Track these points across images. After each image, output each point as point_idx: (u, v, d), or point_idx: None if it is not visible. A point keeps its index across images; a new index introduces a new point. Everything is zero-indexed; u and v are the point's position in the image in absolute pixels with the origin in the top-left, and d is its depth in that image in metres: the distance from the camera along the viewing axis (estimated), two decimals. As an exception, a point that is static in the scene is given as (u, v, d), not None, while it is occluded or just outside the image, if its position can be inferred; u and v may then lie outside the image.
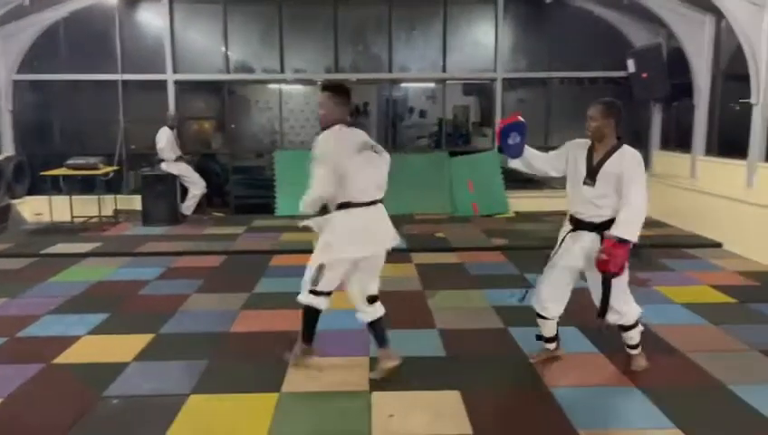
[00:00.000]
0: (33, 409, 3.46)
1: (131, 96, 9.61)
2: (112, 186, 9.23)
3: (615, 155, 3.57)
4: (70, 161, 8.60)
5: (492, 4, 9.69)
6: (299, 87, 10.95)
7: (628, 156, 3.56)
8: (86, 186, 9.06)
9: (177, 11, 9.57)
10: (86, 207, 8.86)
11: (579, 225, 3.69)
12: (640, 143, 9.99)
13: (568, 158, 3.77)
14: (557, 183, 10.13)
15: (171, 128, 8.85)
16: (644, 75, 9.11)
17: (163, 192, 8.79)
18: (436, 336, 4.45)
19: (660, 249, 7.05)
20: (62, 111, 9.75)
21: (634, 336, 3.87)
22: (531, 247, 7.05)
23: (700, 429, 3.18)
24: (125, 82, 9.49)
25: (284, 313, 5.02)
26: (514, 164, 3.83)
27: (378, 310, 3.75)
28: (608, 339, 4.27)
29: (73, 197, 8.75)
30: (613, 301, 3.67)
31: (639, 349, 3.93)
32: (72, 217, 8.73)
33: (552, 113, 9.92)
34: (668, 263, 6.54)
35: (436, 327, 4.61)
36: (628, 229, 3.45)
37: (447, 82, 10.26)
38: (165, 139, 8.69)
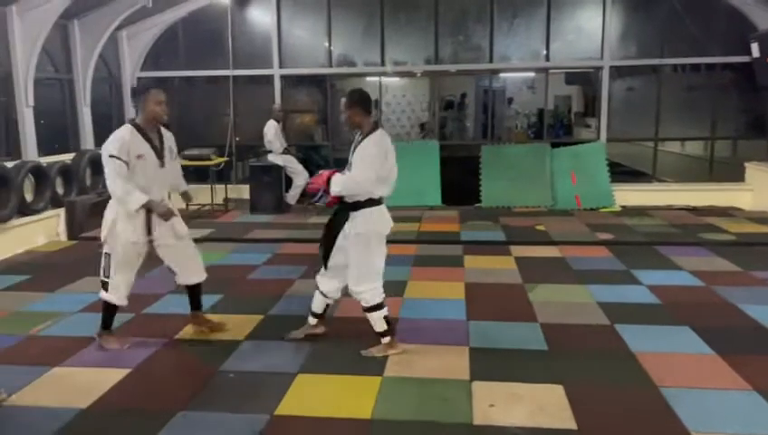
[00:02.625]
0: (158, 379, 3.79)
1: (240, 91, 10.12)
2: (223, 176, 9.78)
3: (363, 142, 3.85)
4: (186, 152, 9.18)
5: (600, -12, 9.30)
6: (396, 79, 11.04)
7: (368, 139, 3.84)
8: (200, 175, 9.65)
9: (284, 8, 9.95)
10: (200, 195, 9.44)
11: (346, 207, 3.93)
12: (763, 131, 9.27)
13: None
14: (666, 176, 9.63)
15: (277, 121, 9.24)
16: (769, 60, 8.42)
17: (269, 182, 9.19)
18: (537, 330, 4.39)
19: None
20: (180, 105, 10.42)
21: (375, 321, 3.93)
22: (639, 243, 6.75)
23: (831, 440, 2.95)
24: (235, 78, 10.01)
25: (387, 300, 5.14)
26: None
27: None
28: (726, 340, 4.06)
29: (189, 186, 9.34)
30: (350, 279, 3.91)
31: (388, 339, 3.96)
32: (188, 204, 9.34)
33: (663, 103, 9.36)
34: (794, 262, 6.05)
35: (538, 321, 4.55)
36: (337, 184, 3.81)
37: (550, 71, 9.98)
38: (273, 131, 9.09)
